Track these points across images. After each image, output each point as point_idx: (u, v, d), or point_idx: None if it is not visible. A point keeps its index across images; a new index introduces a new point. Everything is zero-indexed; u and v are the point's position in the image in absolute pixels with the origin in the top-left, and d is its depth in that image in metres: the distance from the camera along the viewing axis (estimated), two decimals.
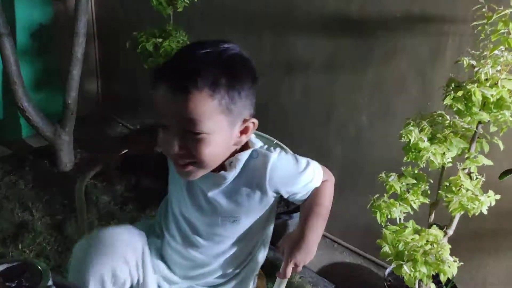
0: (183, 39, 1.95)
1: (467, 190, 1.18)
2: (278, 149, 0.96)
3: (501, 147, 1.20)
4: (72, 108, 2.17)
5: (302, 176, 0.97)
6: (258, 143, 0.97)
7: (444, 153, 1.18)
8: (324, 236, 1.88)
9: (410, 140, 1.20)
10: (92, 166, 1.14)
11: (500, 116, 1.10)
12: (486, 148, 1.21)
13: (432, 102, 1.50)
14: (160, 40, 1.91)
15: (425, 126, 1.22)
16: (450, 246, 1.23)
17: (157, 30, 1.96)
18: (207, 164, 0.87)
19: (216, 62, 0.82)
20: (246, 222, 1.00)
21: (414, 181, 1.26)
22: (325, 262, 1.86)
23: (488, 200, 1.17)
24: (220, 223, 0.98)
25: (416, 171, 1.30)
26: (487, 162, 1.20)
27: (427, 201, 1.27)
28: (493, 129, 1.15)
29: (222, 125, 0.84)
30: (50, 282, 0.63)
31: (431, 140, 1.22)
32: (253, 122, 0.89)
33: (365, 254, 1.86)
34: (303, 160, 0.99)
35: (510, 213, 1.39)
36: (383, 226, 1.30)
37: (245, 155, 0.93)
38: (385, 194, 1.28)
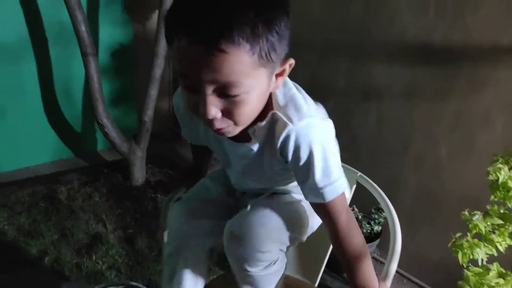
0: None
1: None
2: (307, 118, 0.81)
3: None
4: (147, 126, 2.25)
5: (317, 171, 0.83)
6: (281, 98, 0.83)
7: None
8: None
9: (498, 178, 1.14)
10: (174, 191, 1.17)
11: None
12: None
13: None
14: None
15: None
16: None
17: None
18: (246, 122, 0.78)
19: (247, 1, 0.66)
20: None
21: (501, 221, 1.19)
22: None
23: None
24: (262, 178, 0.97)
25: (502, 211, 1.23)
26: None
27: None
28: None
29: (262, 79, 0.73)
30: None
31: None
32: (290, 64, 0.77)
33: None
34: (333, 160, 0.84)
35: None
36: (465, 267, 1.23)
37: (264, 123, 0.82)
38: (468, 234, 1.22)
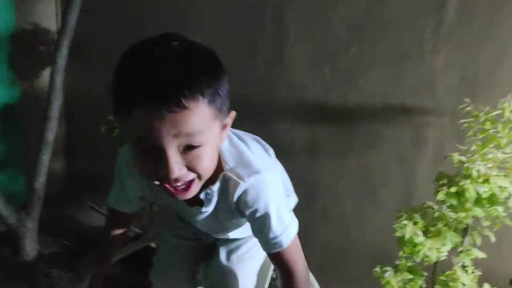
0: None
1: (464, 285, 1.17)
2: (257, 174, 0.88)
3: (492, 239, 1.21)
4: (39, 194, 2.06)
5: (273, 221, 0.90)
6: (229, 159, 0.89)
7: (439, 248, 1.19)
8: None
9: (404, 234, 1.20)
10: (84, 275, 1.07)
11: (492, 211, 1.13)
12: (479, 241, 1.22)
13: (416, 190, 1.53)
14: None
15: (417, 220, 1.22)
16: None
17: None
18: (207, 175, 0.81)
19: (196, 60, 0.74)
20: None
21: (411, 276, 1.24)
22: None
23: None
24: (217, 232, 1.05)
25: (409, 264, 1.29)
26: (481, 255, 1.20)
27: None
28: (486, 223, 1.17)
29: (216, 130, 0.79)
30: None
31: (425, 233, 1.22)
32: (232, 117, 0.84)
33: None
34: (283, 209, 0.93)
35: None
36: None
37: (217, 185, 0.88)
38: None
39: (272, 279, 1.25)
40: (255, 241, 1.09)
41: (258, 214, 0.90)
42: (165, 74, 0.70)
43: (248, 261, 1.09)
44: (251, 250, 1.12)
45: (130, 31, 2.07)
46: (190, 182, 0.79)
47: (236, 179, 0.87)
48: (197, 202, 0.91)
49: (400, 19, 1.44)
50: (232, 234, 1.08)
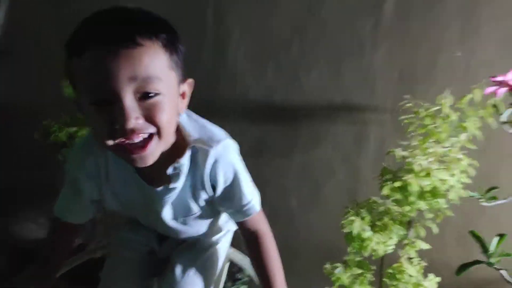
0: None
1: (411, 276, 1.21)
2: (223, 140, 0.87)
3: (435, 230, 1.26)
4: None
5: (243, 187, 0.91)
6: (192, 131, 0.86)
7: (386, 242, 1.21)
8: None
9: (352, 230, 1.21)
10: None
11: (435, 203, 1.17)
12: (423, 233, 1.26)
13: (360, 186, 1.56)
14: (75, 128, 1.80)
15: (364, 215, 1.25)
16: None
17: (69, 119, 1.84)
18: (166, 134, 0.76)
19: (151, 13, 0.75)
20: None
21: (360, 271, 1.27)
22: None
23: (431, 284, 1.21)
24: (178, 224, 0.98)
25: (357, 259, 1.31)
26: (425, 246, 1.24)
27: None
28: (428, 215, 1.21)
29: (174, 84, 0.76)
30: None
31: (371, 228, 1.24)
32: (189, 83, 0.82)
33: None
34: (248, 176, 0.94)
35: None
36: None
37: (186, 157, 0.84)
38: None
39: None
40: (210, 252, 1.09)
41: (229, 183, 0.90)
42: (120, 17, 0.71)
43: (204, 274, 1.05)
44: (207, 262, 1.08)
45: (59, 33, 1.97)
46: (148, 139, 0.74)
47: (205, 147, 0.84)
48: (163, 180, 0.85)
49: (340, 18, 1.47)
50: (195, 228, 1.02)
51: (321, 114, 1.58)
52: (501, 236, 0.80)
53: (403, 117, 1.21)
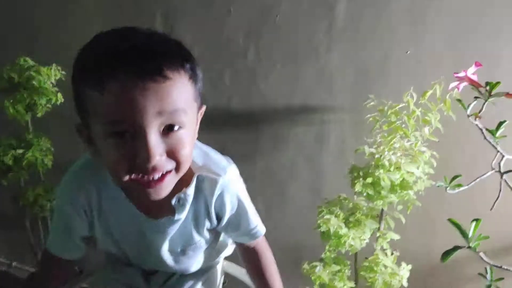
0: (46, 146, 1.76)
1: (386, 266, 1.26)
2: (228, 168, 0.85)
3: (403, 220, 1.33)
4: None
5: (249, 213, 0.91)
6: (197, 158, 0.83)
7: (361, 236, 1.26)
8: None
9: (329, 228, 1.25)
10: None
11: (405, 195, 1.23)
12: (392, 224, 1.33)
13: (323, 185, 1.60)
14: (21, 151, 1.70)
15: (338, 213, 1.29)
16: None
17: (14, 140, 1.73)
18: (185, 169, 0.73)
19: (170, 39, 0.71)
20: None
21: (338, 267, 1.30)
22: None
23: (405, 272, 1.27)
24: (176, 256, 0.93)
25: (333, 256, 1.35)
26: (396, 236, 1.31)
27: (353, 285, 1.32)
28: (399, 207, 1.28)
29: (195, 115, 0.73)
30: None
31: (345, 224, 1.29)
32: (201, 112, 0.79)
33: None
34: (249, 200, 0.93)
35: (418, 279, 1.51)
36: None
37: (192, 187, 0.80)
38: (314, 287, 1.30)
39: None
40: (208, 276, 1.06)
41: (234, 211, 0.88)
42: (145, 43, 0.65)
43: None
44: (206, 282, 1.04)
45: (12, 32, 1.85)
46: (166, 173, 0.71)
47: (213, 176, 0.82)
48: (164, 210, 0.81)
49: (294, 22, 1.50)
50: (192, 259, 0.97)
51: (281, 117, 1.61)
52: (477, 220, 0.86)
53: (368, 115, 1.26)
